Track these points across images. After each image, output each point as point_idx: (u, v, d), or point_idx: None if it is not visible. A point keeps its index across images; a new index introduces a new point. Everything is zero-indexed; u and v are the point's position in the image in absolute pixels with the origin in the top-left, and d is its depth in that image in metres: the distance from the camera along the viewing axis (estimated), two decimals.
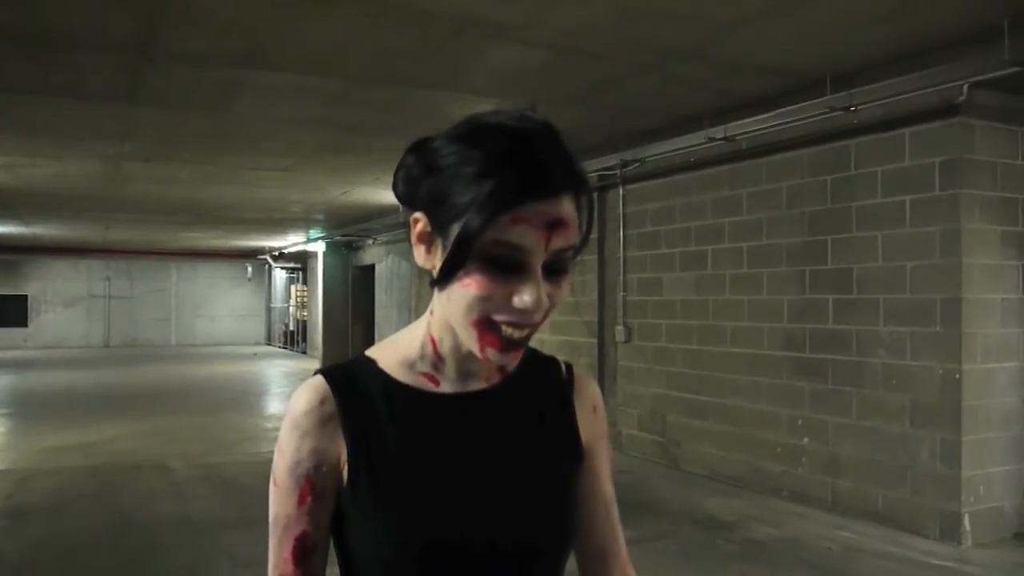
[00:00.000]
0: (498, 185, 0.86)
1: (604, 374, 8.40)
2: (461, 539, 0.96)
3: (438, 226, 0.92)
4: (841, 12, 4.54)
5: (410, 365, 1.02)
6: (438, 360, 1.02)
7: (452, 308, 0.92)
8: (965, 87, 4.92)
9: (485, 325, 0.91)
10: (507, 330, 0.90)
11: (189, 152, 8.62)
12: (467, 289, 0.89)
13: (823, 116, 5.67)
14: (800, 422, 6.28)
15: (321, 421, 0.97)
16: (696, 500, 6.41)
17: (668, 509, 6.17)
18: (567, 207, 0.89)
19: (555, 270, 0.91)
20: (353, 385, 1.00)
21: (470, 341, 0.93)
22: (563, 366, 1.14)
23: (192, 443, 8.89)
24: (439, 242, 0.92)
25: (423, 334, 1.03)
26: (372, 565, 0.97)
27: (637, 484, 6.94)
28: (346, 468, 0.97)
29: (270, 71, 5.68)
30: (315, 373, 1.02)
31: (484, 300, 0.89)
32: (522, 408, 1.06)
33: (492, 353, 0.92)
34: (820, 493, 6.08)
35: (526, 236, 0.87)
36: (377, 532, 0.96)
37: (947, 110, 5.19)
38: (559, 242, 0.89)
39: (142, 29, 4.84)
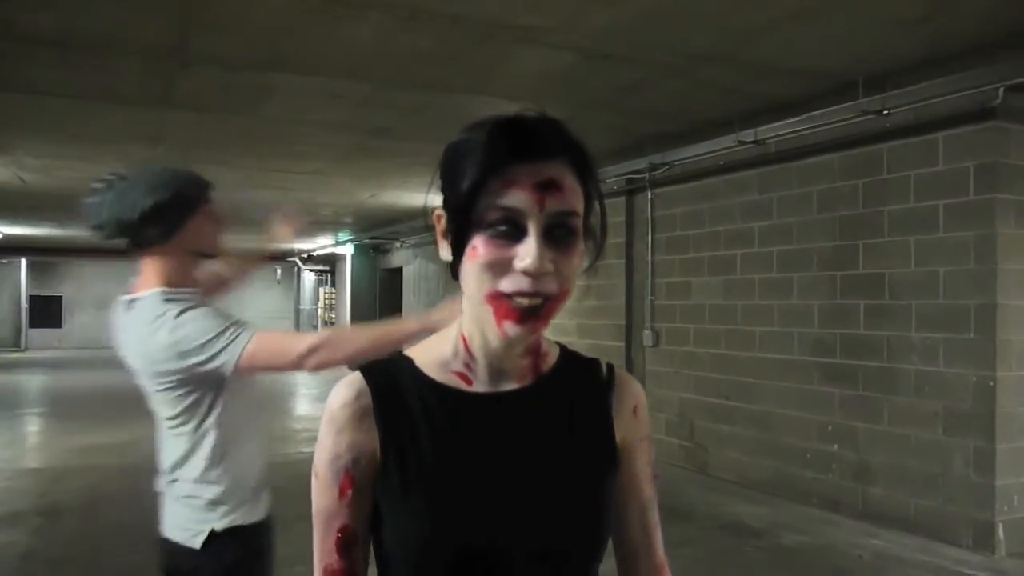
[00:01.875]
0: (488, 151, 0.91)
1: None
2: (490, 539, 0.97)
3: (452, 214, 0.95)
4: (872, 15, 4.49)
5: (444, 364, 1.04)
6: (470, 359, 1.03)
7: (469, 288, 0.96)
8: (1000, 90, 4.84)
9: (498, 298, 0.93)
10: (519, 300, 0.92)
11: (220, 155, 8.72)
12: (473, 260, 0.93)
13: (855, 120, 5.61)
14: (830, 428, 6.21)
15: (357, 416, 1.00)
16: (724, 506, 6.36)
17: (696, 515, 6.13)
18: (561, 171, 0.93)
19: (559, 236, 0.93)
20: (389, 382, 1.02)
21: (488, 319, 0.95)
22: (604, 367, 1.13)
23: None
24: (453, 229, 0.96)
25: (455, 334, 1.05)
26: (403, 559, 0.98)
27: (665, 489, 6.87)
28: (380, 462, 0.99)
29: (300, 75, 5.73)
30: (354, 369, 1.05)
31: (490, 267, 0.92)
32: (555, 409, 1.06)
33: (509, 327, 0.94)
34: (851, 500, 6.01)
35: (517, 198, 0.90)
36: (408, 528, 0.97)
37: (981, 114, 5.12)
38: (554, 204, 0.92)
39: (175, 34, 4.91)
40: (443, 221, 0.98)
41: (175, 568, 2.13)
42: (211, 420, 2.08)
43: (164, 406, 2.10)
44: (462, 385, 1.03)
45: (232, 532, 2.05)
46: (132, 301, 2.13)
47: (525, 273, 0.91)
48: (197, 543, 2.04)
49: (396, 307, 17.57)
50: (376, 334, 2.08)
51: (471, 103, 6.18)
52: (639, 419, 1.13)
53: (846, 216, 6.07)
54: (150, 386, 2.11)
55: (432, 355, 1.05)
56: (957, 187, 5.30)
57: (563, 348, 1.12)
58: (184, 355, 1.99)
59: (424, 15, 4.54)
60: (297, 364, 2.02)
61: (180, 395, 2.05)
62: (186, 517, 2.09)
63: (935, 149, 5.44)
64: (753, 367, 6.94)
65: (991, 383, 5.10)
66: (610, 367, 1.14)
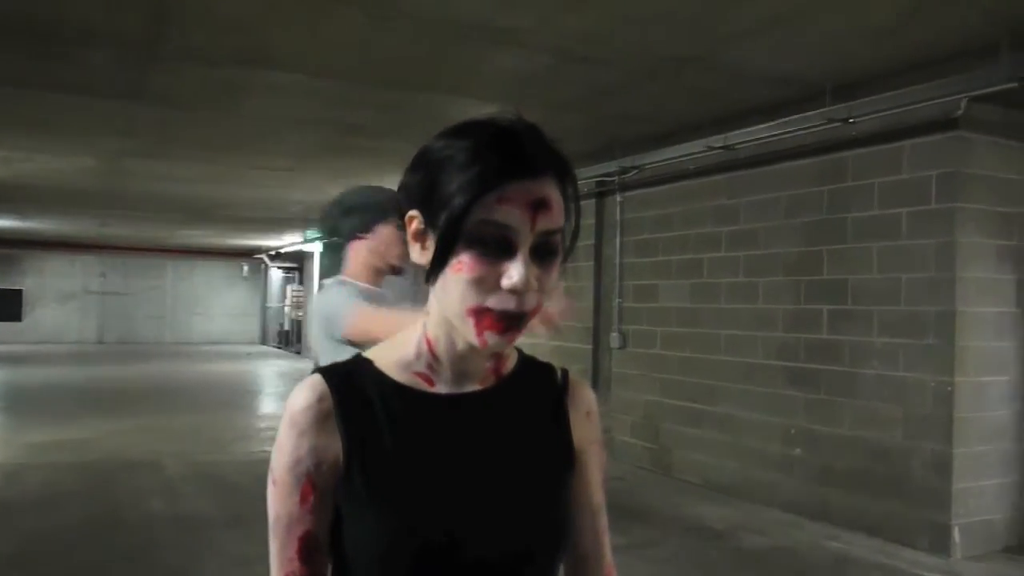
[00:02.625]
0: (483, 167, 0.90)
1: (598, 380, 8.41)
2: (452, 540, 0.96)
3: (430, 219, 0.95)
4: (842, 24, 4.57)
5: (406, 365, 1.03)
6: (433, 360, 1.03)
7: (447, 298, 0.95)
8: (964, 101, 4.95)
9: (481, 311, 0.93)
10: (503, 315, 0.93)
11: (191, 150, 8.63)
12: (459, 274, 0.92)
13: (822, 127, 5.69)
14: (793, 431, 6.29)
15: (319, 419, 0.98)
16: (688, 508, 6.42)
17: (660, 516, 6.18)
18: (550, 188, 0.94)
19: (543, 253, 0.93)
20: (350, 384, 1.01)
21: (467, 331, 0.95)
22: (558, 371, 1.15)
23: (185, 441, 8.88)
24: (432, 235, 0.95)
25: (419, 335, 1.04)
26: (364, 563, 0.97)
27: (629, 491, 6.95)
28: (342, 465, 0.98)
29: (275, 71, 5.70)
30: (313, 371, 1.03)
31: (476, 283, 0.91)
32: (516, 411, 1.07)
33: (491, 336, 0.94)
34: (812, 503, 6.10)
35: (511, 215, 0.90)
36: (370, 531, 0.96)
37: (945, 123, 5.23)
38: (544, 223, 0.92)
39: (149, 27, 4.86)
40: (416, 224, 0.97)
41: None
42: None
43: None
44: (424, 386, 1.02)
45: None
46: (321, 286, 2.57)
47: (512, 291, 0.91)
48: None
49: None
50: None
51: (446, 103, 6.19)
52: (592, 423, 1.14)
53: (812, 222, 6.16)
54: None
55: (393, 356, 1.04)
56: (920, 195, 5.41)
57: (520, 352, 1.13)
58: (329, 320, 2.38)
59: (400, 14, 4.54)
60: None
61: None
62: None
63: (899, 158, 5.54)
64: (718, 370, 7.01)
65: (949, 388, 5.21)
66: (564, 372, 1.15)
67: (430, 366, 1.03)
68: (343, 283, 2.51)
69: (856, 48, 4.96)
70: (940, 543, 5.23)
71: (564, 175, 0.97)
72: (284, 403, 1.01)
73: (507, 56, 5.22)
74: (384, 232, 2.53)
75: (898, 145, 5.54)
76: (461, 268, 0.92)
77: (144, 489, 6.65)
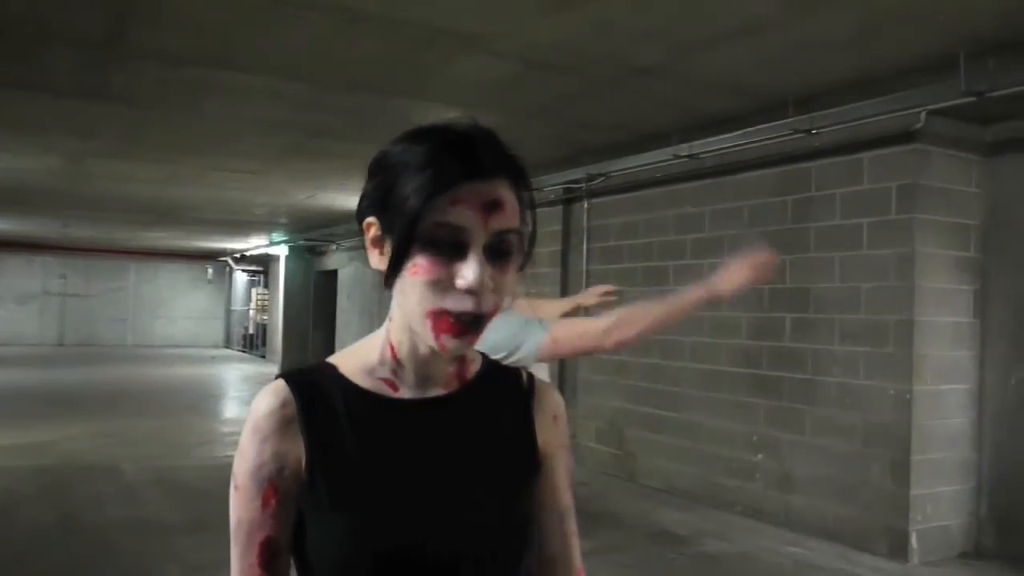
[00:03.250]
0: (436, 169, 0.92)
1: (564, 386, 8.43)
2: (414, 544, 0.97)
3: (387, 224, 0.96)
4: (805, 37, 4.63)
5: (370, 371, 1.03)
6: (397, 365, 1.03)
7: (406, 303, 0.96)
8: (923, 114, 5.05)
9: (439, 314, 0.94)
10: (460, 317, 0.94)
11: (154, 151, 8.53)
12: (415, 277, 0.93)
13: (785, 138, 5.77)
14: (755, 438, 6.36)
15: (282, 424, 0.98)
16: (651, 513, 6.46)
17: (623, 522, 6.21)
18: (504, 190, 0.95)
19: (498, 253, 0.95)
20: (314, 389, 1.01)
21: (426, 333, 0.96)
22: (524, 376, 1.15)
23: (146, 446, 8.75)
24: (389, 241, 0.96)
25: (382, 340, 1.04)
26: (326, 568, 0.97)
27: (593, 496, 6.97)
28: (304, 471, 0.98)
29: (239, 73, 5.65)
30: (277, 377, 1.03)
31: (432, 285, 0.93)
32: (480, 416, 1.07)
33: (447, 340, 0.95)
34: (773, 509, 6.16)
35: (464, 216, 0.92)
36: (332, 536, 0.96)
37: (905, 136, 5.32)
38: (497, 223, 0.94)
39: (111, 26, 4.79)
40: (373, 230, 0.98)
41: None
42: None
43: None
44: (388, 391, 1.03)
45: None
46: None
47: (468, 291, 0.92)
48: None
49: (330, 310, 17.38)
50: (665, 307, 2.28)
51: (412, 107, 6.18)
52: (558, 427, 1.14)
53: (775, 231, 6.23)
54: None
55: (357, 362, 1.05)
56: (880, 206, 5.50)
57: (485, 356, 1.14)
58: (494, 350, 2.22)
59: (367, 18, 4.53)
60: (600, 342, 2.31)
61: None
62: None
63: (860, 169, 5.63)
64: (682, 377, 7.07)
65: (908, 396, 5.30)
66: (530, 376, 1.15)
67: (394, 371, 1.03)
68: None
69: (819, 61, 5.03)
70: (898, 549, 5.32)
71: (518, 178, 0.98)
72: (248, 408, 1.01)
73: (475, 62, 5.23)
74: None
75: (859, 157, 5.63)
76: (417, 271, 0.93)
77: (103, 494, 6.55)
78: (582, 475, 7.69)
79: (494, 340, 2.27)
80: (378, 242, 0.99)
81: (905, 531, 5.30)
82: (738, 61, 5.08)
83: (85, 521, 5.81)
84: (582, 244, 8.28)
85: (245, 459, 0.98)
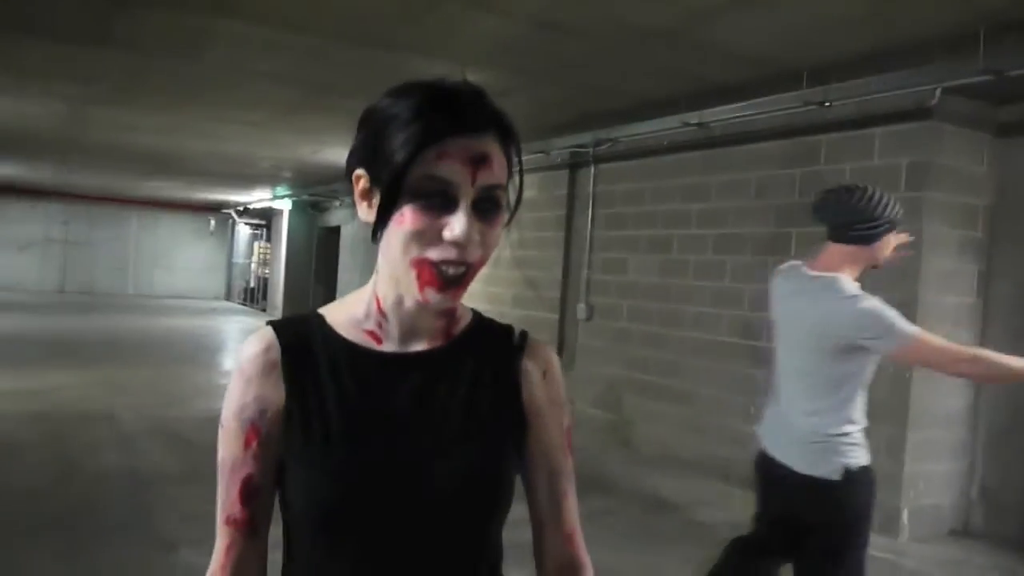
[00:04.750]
0: (424, 123, 0.93)
1: (563, 351, 8.44)
2: (391, 496, 0.99)
3: (375, 176, 0.97)
4: (820, 8, 4.55)
5: (356, 323, 1.06)
6: (382, 318, 1.05)
7: (391, 252, 0.97)
8: (938, 91, 4.97)
9: (422, 264, 0.95)
10: (444, 268, 0.95)
11: (156, 99, 8.44)
12: (401, 228, 0.95)
13: (797, 109, 5.70)
14: (752, 410, 6.36)
15: (265, 368, 1.03)
16: (646, 480, 6.50)
17: (617, 487, 6.24)
18: (491, 146, 0.96)
19: (485, 208, 0.96)
20: (299, 337, 1.05)
21: (409, 284, 0.97)
22: (516, 333, 1.14)
23: (143, 395, 8.79)
24: (377, 192, 0.97)
25: (369, 293, 1.07)
26: (305, 511, 1.00)
27: (589, 461, 7.00)
28: (284, 417, 1.02)
29: (244, 22, 5.57)
30: (267, 324, 1.07)
31: (418, 235, 0.94)
32: (463, 370, 1.07)
33: (431, 293, 0.96)
34: None
35: (452, 170, 0.93)
36: (311, 483, 0.99)
37: (918, 113, 5.25)
38: (484, 178, 0.95)
39: None
40: (363, 183, 1.00)
41: (806, 498, 2.73)
42: (860, 380, 2.67)
43: (821, 362, 2.67)
44: (372, 344, 1.05)
45: (862, 470, 2.65)
46: (815, 277, 2.72)
47: (454, 244, 0.94)
48: (837, 475, 2.61)
49: (332, 266, 17.37)
50: (1016, 371, 2.53)
51: (420, 64, 6.10)
52: (549, 383, 1.13)
53: (782, 204, 6.19)
54: (812, 343, 2.69)
55: (345, 314, 1.07)
56: (889, 183, 5.44)
57: (477, 313, 1.14)
58: (863, 328, 2.55)
59: None
60: (952, 367, 2.68)
61: (842, 357, 2.62)
62: (824, 455, 2.64)
63: (871, 144, 5.56)
64: (682, 346, 7.06)
65: (907, 375, 5.28)
66: (523, 333, 1.15)
67: (379, 324, 1.05)
68: (844, 283, 2.63)
69: (833, 32, 4.95)
70: (889, 525, 5.34)
71: (506, 135, 0.99)
72: None
73: (485, 20, 5.15)
74: (889, 239, 2.73)
75: (871, 132, 5.56)
76: (403, 221, 0.94)
77: (99, 442, 6.58)
78: (578, 440, 7.70)
79: (870, 314, 2.53)
80: (366, 194, 1.00)
81: (897, 507, 5.32)
82: (751, 30, 5.00)
83: (81, 468, 5.84)
84: (587, 209, 8.23)
85: (231, 400, 1.04)
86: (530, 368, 1.11)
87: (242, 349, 1.05)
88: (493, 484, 1.05)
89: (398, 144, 0.93)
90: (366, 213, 1.00)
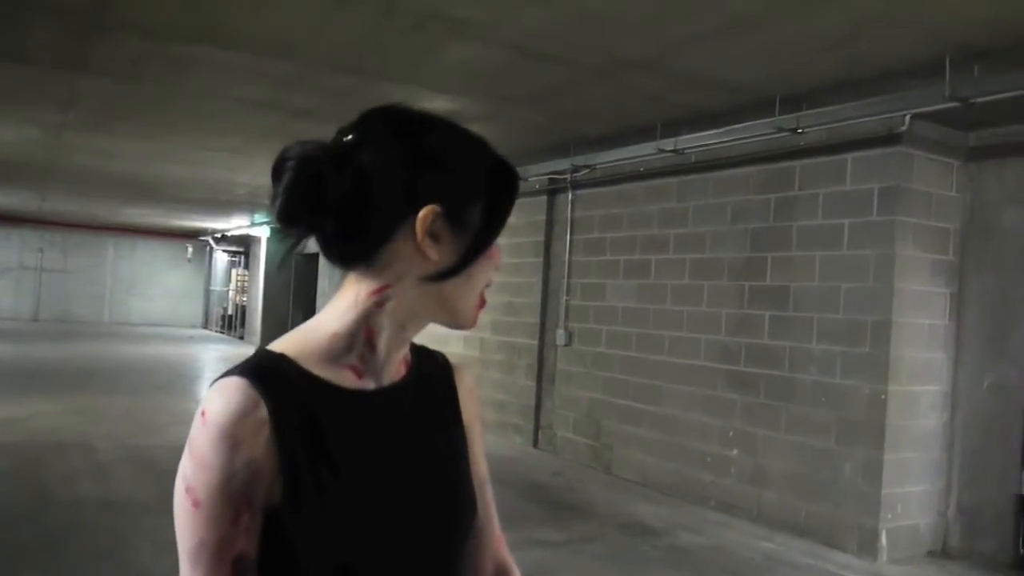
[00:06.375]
0: (507, 167, 1.05)
1: (543, 377, 8.44)
2: (406, 531, 0.99)
3: (460, 213, 0.99)
4: (792, 36, 4.64)
5: (332, 358, 0.99)
6: (369, 352, 1.01)
7: (460, 288, 1.02)
8: (907, 117, 5.09)
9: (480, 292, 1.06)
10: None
11: (134, 126, 8.42)
12: (492, 261, 1.05)
13: (770, 136, 5.78)
14: (731, 434, 6.40)
15: (253, 429, 0.90)
16: (626, 505, 6.49)
17: (597, 513, 6.24)
18: None
19: None
20: (279, 386, 0.93)
21: (467, 312, 1.05)
22: (439, 354, 1.19)
23: (119, 424, 8.69)
24: (454, 231, 0.99)
25: (352, 325, 1.00)
26: (317, 569, 0.93)
27: (569, 487, 7.00)
28: (279, 478, 0.91)
29: (224, 49, 5.58)
30: (227, 374, 0.95)
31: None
32: (431, 399, 1.11)
33: (477, 315, 1.08)
34: (746, 504, 6.21)
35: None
36: (324, 539, 0.93)
37: (888, 138, 5.36)
38: None
39: None
40: (438, 220, 0.97)
41: None
42: None
43: None
44: (353, 379, 0.99)
45: None
46: None
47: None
48: None
49: (311, 293, 17.29)
50: None
51: (398, 91, 6.14)
52: (474, 399, 1.19)
53: (757, 228, 6.26)
54: None
55: (315, 349, 0.99)
56: (861, 207, 5.54)
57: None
58: None
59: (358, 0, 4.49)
60: None
61: None
62: None
63: (843, 169, 5.66)
64: (661, 370, 7.10)
65: (883, 396, 5.34)
66: (442, 354, 1.19)
67: (362, 358, 1.01)
68: None
69: (806, 60, 5.04)
70: (868, 546, 5.38)
71: None
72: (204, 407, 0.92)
73: (462, 48, 5.20)
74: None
75: (843, 157, 5.66)
76: (494, 255, 1.05)
77: (75, 471, 6.49)
78: (558, 466, 7.72)
79: None
80: (438, 232, 0.98)
81: (875, 529, 5.35)
82: (726, 58, 5.08)
83: (56, 497, 5.76)
84: (566, 235, 8.28)
85: (211, 471, 0.89)
86: (460, 386, 1.16)
87: (218, 408, 0.90)
88: (473, 504, 1.10)
89: (489, 181, 1.03)
90: (439, 253, 0.98)
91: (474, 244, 1.00)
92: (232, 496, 0.89)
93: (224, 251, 24.46)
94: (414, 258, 0.97)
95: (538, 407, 8.51)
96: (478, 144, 1.04)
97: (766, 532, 5.86)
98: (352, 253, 1.00)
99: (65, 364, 13.97)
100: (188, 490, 0.90)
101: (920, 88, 4.84)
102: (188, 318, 25.68)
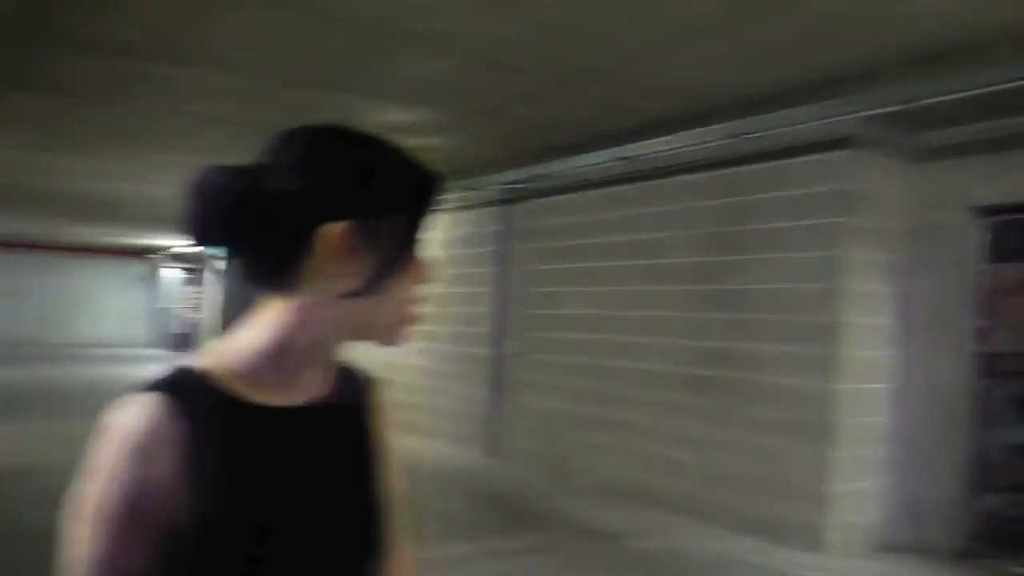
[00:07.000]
0: (427, 178, 1.04)
1: (501, 386, 8.45)
2: (310, 549, 0.98)
3: (371, 230, 0.97)
4: (743, 43, 4.73)
5: (251, 374, 0.98)
6: (287, 369, 1.00)
7: (390, 303, 1.00)
8: (855, 121, 5.20)
9: (410, 306, 1.04)
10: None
11: (80, 143, 8.28)
12: (415, 277, 1.03)
13: (722, 142, 5.87)
14: (686, 436, 6.46)
15: (158, 441, 0.90)
16: (583, 512, 6.51)
17: (556, 521, 6.25)
18: None
19: None
20: (192, 402, 0.93)
21: (390, 328, 1.03)
22: (361, 371, 1.17)
23: (68, 448, 8.45)
24: (375, 246, 0.97)
25: (271, 342, 0.99)
26: None
27: (527, 496, 7.00)
28: (189, 497, 0.90)
29: (174, 64, 5.52)
30: (140, 389, 0.95)
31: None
32: (348, 417, 1.10)
33: (407, 331, 1.05)
34: (702, 506, 6.27)
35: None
36: (231, 561, 0.93)
37: (836, 142, 5.48)
38: None
39: (36, 10, 4.64)
40: (346, 238, 0.95)
41: None
42: None
43: None
44: (270, 395, 0.98)
45: None
46: None
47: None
48: None
49: None
50: None
51: (356, 104, 6.11)
52: (389, 416, 1.19)
53: (711, 233, 6.36)
54: None
55: (233, 366, 0.98)
56: (811, 210, 5.66)
57: None
58: None
59: (308, 13, 4.48)
60: None
61: None
62: None
63: (792, 173, 5.78)
64: (617, 377, 7.14)
65: (833, 395, 5.45)
66: (362, 369, 1.18)
67: (280, 374, 0.99)
68: None
69: (756, 67, 5.14)
70: (816, 543, 5.47)
71: None
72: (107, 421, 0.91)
73: (417, 60, 5.21)
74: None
75: (792, 161, 5.78)
76: (418, 270, 1.03)
77: (21, 498, 6.32)
78: (516, 475, 7.72)
79: None
80: (349, 250, 0.96)
81: (825, 525, 5.45)
82: (678, 66, 5.16)
83: (14, 524, 5.60)
84: (523, 244, 8.31)
85: (113, 484, 0.88)
86: (378, 402, 1.16)
87: (123, 422, 0.90)
88: (380, 523, 1.09)
89: (407, 196, 1.01)
90: (349, 269, 0.96)
91: (385, 262, 0.98)
92: (132, 509, 0.88)
93: (175, 268, 24.04)
94: (331, 276, 0.96)
95: (494, 417, 8.50)
96: (403, 162, 1.02)
97: (721, 532, 5.92)
98: (268, 272, 0.98)
99: (13, 388, 13.58)
100: (87, 503, 0.90)
101: (867, 92, 4.96)
102: (139, 337, 25.16)
